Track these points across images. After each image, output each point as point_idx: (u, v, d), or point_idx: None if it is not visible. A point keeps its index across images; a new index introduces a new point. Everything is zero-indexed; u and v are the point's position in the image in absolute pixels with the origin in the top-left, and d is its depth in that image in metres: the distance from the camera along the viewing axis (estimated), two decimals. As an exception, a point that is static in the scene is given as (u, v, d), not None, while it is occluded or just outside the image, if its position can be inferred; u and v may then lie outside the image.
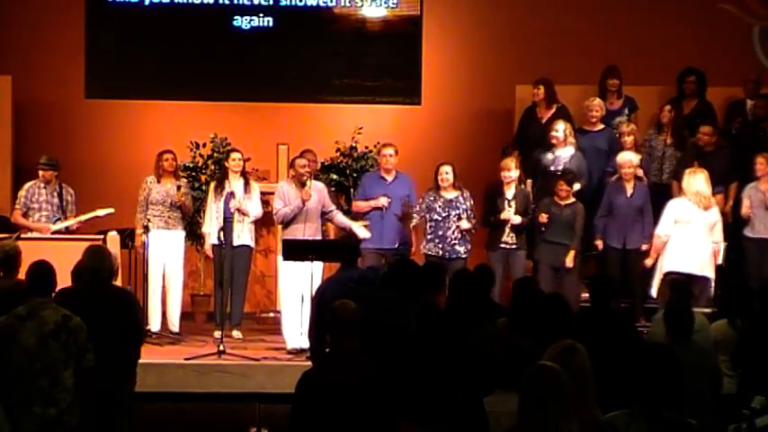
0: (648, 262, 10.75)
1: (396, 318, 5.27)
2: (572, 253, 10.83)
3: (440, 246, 10.91)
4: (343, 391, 5.17)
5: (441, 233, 10.92)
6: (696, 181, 10.60)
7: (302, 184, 10.67)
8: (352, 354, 5.42)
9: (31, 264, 6.86)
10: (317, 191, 10.78)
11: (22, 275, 7.68)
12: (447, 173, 10.99)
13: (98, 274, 7.11)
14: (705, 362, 7.00)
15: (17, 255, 7.99)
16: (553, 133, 11.31)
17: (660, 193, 11.21)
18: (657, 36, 13.14)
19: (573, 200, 10.97)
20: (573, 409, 4.64)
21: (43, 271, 6.54)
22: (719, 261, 10.69)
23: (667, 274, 10.33)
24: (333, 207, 10.87)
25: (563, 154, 11.28)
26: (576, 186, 11.07)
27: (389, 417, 5.20)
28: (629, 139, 11.35)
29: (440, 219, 10.94)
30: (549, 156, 11.32)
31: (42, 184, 10.97)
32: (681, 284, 8.61)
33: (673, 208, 10.64)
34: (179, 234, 11.32)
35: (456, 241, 10.92)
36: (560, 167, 11.20)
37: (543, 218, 10.80)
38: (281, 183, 11.10)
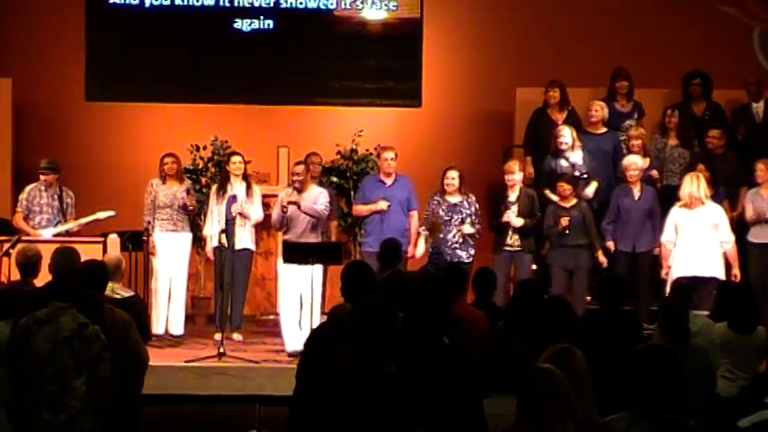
0: (665, 272, 10.69)
1: (382, 320, 5.26)
2: (600, 252, 10.85)
3: (442, 249, 10.90)
4: (339, 392, 5.15)
5: (442, 236, 10.91)
6: (686, 183, 10.60)
7: (297, 191, 10.67)
8: (347, 356, 5.40)
9: (56, 268, 6.83)
10: (317, 197, 10.73)
11: (40, 280, 7.71)
12: (453, 178, 10.96)
13: (63, 275, 7.06)
14: (701, 362, 7.00)
15: (39, 260, 7.97)
16: (561, 139, 11.25)
17: (666, 195, 11.20)
18: (658, 39, 13.13)
19: (575, 200, 10.97)
20: (569, 411, 4.63)
21: (67, 276, 6.48)
22: (735, 260, 10.64)
23: (677, 280, 10.32)
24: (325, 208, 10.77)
25: (577, 159, 11.25)
26: (594, 185, 11.11)
27: (394, 420, 5.18)
28: (636, 143, 11.34)
29: (441, 223, 10.93)
30: (564, 163, 11.26)
31: (43, 187, 10.97)
32: (681, 287, 8.61)
33: (673, 214, 10.64)
34: (186, 236, 11.31)
35: (457, 246, 10.90)
36: (582, 172, 11.15)
37: (565, 221, 10.76)
38: (283, 190, 11.12)
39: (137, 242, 11.20)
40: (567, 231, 10.76)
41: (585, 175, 11.16)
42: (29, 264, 8.04)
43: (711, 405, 6.90)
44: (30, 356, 6.15)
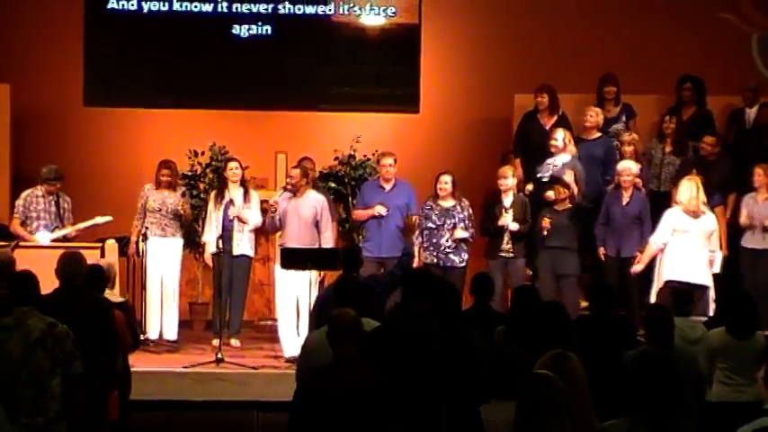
0: (637, 268, 10.74)
1: (418, 325, 5.27)
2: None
3: (434, 254, 10.91)
4: (340, 400, 5.15)
5: (434, 241, 10.92)
6: (686, 189, 10.61)
7: (293, 193, 10.71)
8: (351, 362, 5.41)
9: (13, 273, 6.83)
10: (316, 202, 10.76)
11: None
12: (446, 182, 11.00)
13: (70, 281, 7.05)
14: (688, 367, 6.99)
15: (10, 264, 7.94)
16: (553, 142, 11.29)
17: (659, 201, 11.22)
18: (657, 45, 13.15)
19: (569, 205, 10.98)
20: (569, 418, 4.62)
21: (25, 280, 6.48)
22: (716, 269, 10.68)
23: (666, 283, 10.33)
24: (327, 231, 10.81)
25: (556, 161, 11.25)
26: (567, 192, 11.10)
27: (390, 427, 5.18)
28: (629, 149, 11.36)
29: (434, 227, 10.95)
30: (547, 163, 11.31)
31: (40, 193, 10.94)
32: (681, 294, 8.60)
33: (670, 217, 10.65)
34: (176, 242, 11.29)
35: (450, 250, 10.91)
36: (547, 174, 11.17)
37: (546, 222, 10.78)
38: (277, 194, 11.18)
39: (135, 248, 11.19)
40: (546, 233, 10.78)
41: (550, 179, 11.11)
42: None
43: (702, 412, 6.89)
44: (3, 363, 6.14)
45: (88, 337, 6.56)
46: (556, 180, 11.05)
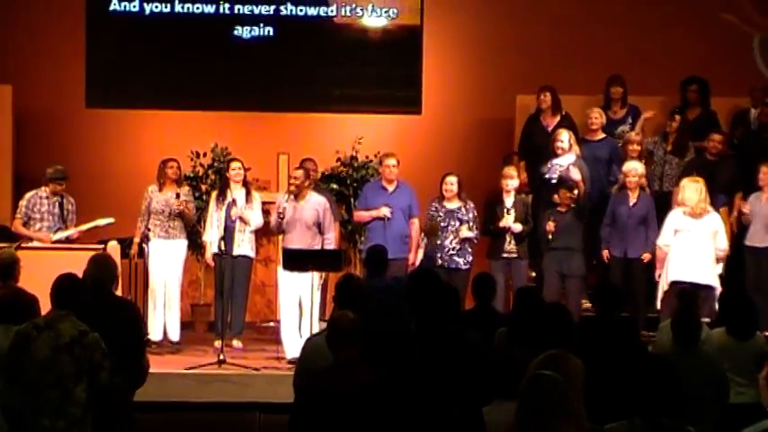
0: (658, 273, 10.73)
1: (397, 326, 5.27)
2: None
3: (438, 255, 10.91)
4: (340, 402, 5.16)
5: (438, 242, 10.92)
6: (688, 190, 10.61)
7: (295, 196, 10.71)
8: (351, 364, 5.42)
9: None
10: (317, 204, 10.77)
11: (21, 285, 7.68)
12: (452, 183, 11.01)
13: (102, 284, 7.05)
14: (712, 370, 7.00)
15: (13, 263, 7.94)
16: (558, 143, 11.28)
17: (660, 201, 11.21)
18: (659, 46, 13.14)
19: (572, 205, 10.98)
20: (573, 417, 4.63)
21: (65, 284, 6.46)
22: (719, 270, 10.67)
23: (672, 284, 10.34)
24: (329, 232, 10.80)
25: (561, 162, 11.25)
26: (575, 192, 11.08)
27: (391, 427, 5.18)
28: (636, 149, 11.37)
29: (439, 226, 10.95)
30: (549, 165, 11.30)
31: (44, 195, 10.95)
32: (688, 295, 8.61)
33: (672, 218, 10.66)
34: (180, 243, 11.29)
35: (454, 252, 10.91)
36: (555, 176, 11.17)
37: (551, 225, 10.78)
38: (280, 195, 11.19)
39: (137, 249, 11.19)
40: (551, 236, 10.77)
41: (556, 180, 11.10)
42: (1, 267, 7.94)
43: (723, 414, 6.87)
44: (29, 363, 6.15)
45: (117, 340, 6.55)
46: (563, 181, 11.04)
